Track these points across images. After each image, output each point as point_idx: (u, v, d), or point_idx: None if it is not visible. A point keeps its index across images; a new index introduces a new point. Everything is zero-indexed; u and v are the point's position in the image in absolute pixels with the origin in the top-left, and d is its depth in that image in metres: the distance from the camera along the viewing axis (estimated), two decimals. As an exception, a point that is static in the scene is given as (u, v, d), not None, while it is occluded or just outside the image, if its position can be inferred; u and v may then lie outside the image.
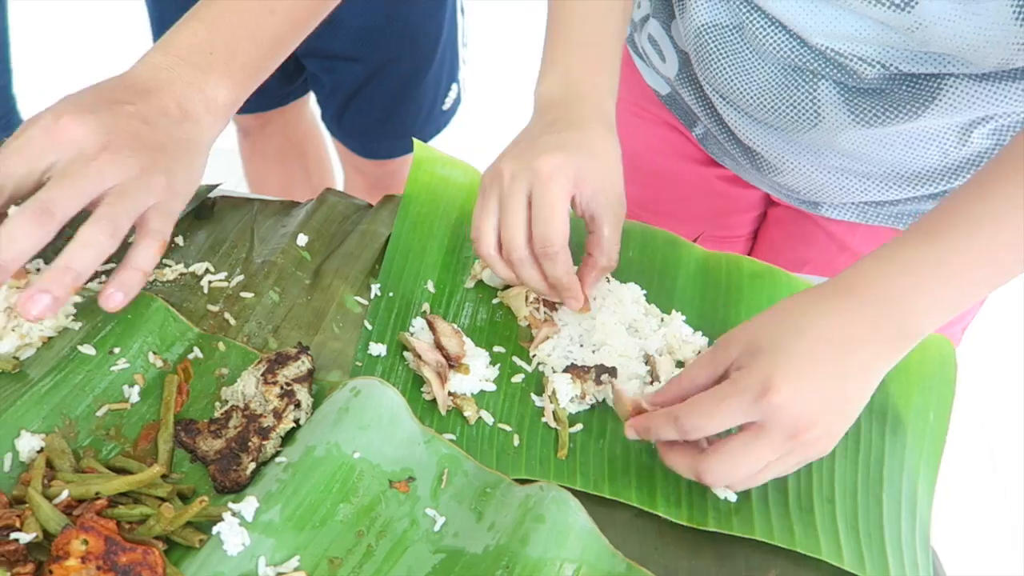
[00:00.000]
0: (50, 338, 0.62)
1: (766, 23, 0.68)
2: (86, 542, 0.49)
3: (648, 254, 0.74)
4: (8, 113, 1.26)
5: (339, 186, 1.58)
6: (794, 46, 0.67)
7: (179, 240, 0.73)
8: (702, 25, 0.72)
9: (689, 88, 0.80)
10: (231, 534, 0.50)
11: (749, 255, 0.96)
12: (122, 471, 0.55)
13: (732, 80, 0.72)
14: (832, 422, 0.53)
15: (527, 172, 0.62)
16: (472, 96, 1.39)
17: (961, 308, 0.54)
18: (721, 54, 0.72)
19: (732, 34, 0.71)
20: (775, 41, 0.68)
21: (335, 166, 1.54)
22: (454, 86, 1.32)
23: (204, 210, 0.76)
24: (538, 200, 0.61)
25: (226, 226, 0.75)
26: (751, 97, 0.72)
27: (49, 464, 0.55)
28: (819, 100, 0.69)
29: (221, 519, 0.51)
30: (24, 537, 0.49)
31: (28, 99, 1.31)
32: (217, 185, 0.78)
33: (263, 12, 0.65)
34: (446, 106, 1.32)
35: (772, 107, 0.71)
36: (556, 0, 0.69)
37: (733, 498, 0.57)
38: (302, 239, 0.73)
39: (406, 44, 1.19)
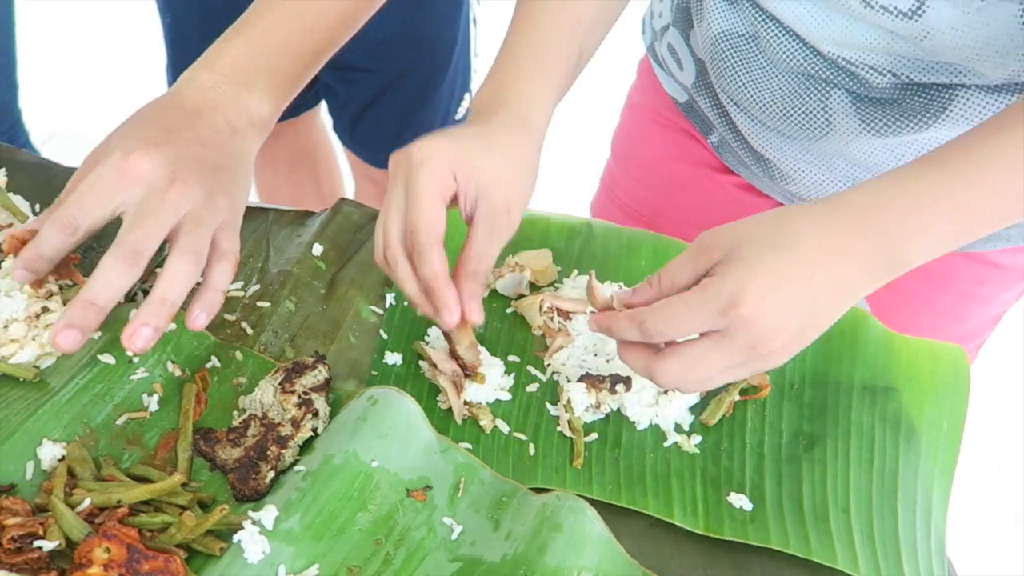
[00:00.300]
0: (70, 347, 0.63)
1: (780, 32, 0.68)
2: (108, 550, 0.49)
3: (660, 264, 0.74)
4: (13, 127, 1.27)
5: (349, 195, 1.59)
6: (807, 55, 0.68)
7: (196, 250, 0.74)
8: (718, 33, 0.72)
9: (705, 96, 0.80)
10: (251, 542, 0.50)
11: None
12: (143, 479, 0.56)
13: (746, 88, 0.73)
14: (793, 338, 0.52)
15: (404, 159, 0.58)
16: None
17: (956, 244, 0.53)
18: (736, 62, 0.72)
19: (747, 42, 0.71)
20: (788, 50, 0.68)
21: (345, 175, 1.55)
22: (467, 96, 1.33)
23: (220, 220, 0.77)
24: (408, 190, 0.57)
25: (242, 236, 0.75)
26: (764, 105, 0.73)
27: (71, 472, 0.55)
28: (831, 109, 0.70)
29: (241, 527, 0.52)
30: (47, 545, 0.50)
31: (32, 112, 1.33)
32: (233, 195, 0.79)
33: (303, 30, 0.67)
34: (459, 115, 1.33)
35: (785, 115, 0.72)
36: (518, 5, 0.67)
37: (748, 506, 0.57)
38: (317, 249, 0.74)
39: (421, 55, 1.20)
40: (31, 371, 0.60)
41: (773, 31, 0.69)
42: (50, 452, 0.56)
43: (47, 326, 0.62)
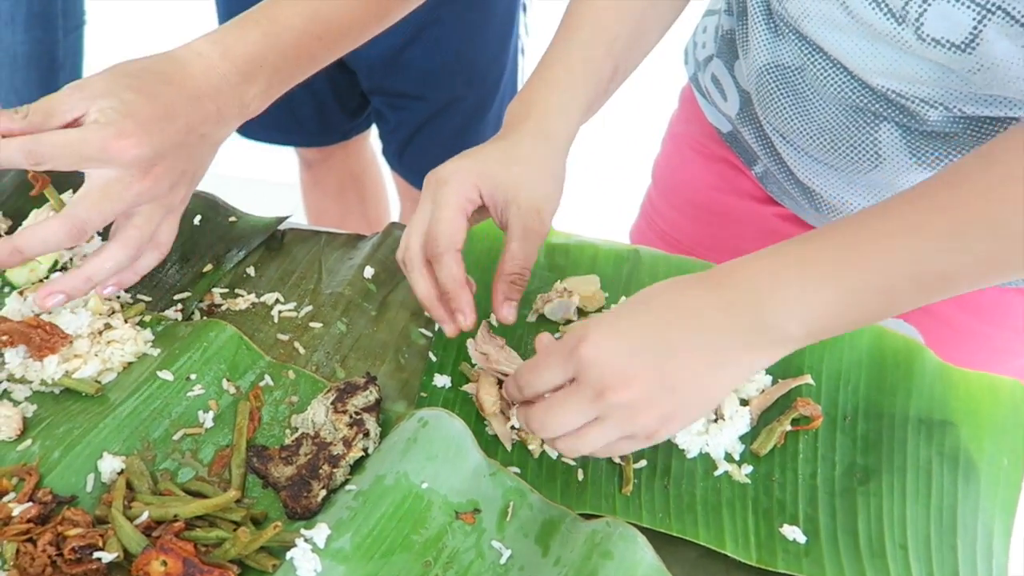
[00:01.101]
0: (130, 363, 0.65)
1: (827, 64, 0.68)
2: (165, 563, 0.50)
3: (710, 291, 0.74)
4: None
5: (395, 218, 1.61)
6: (855, 87, 0.67)
7: (250, 271, 0.75)
8: (764, 65, 0.73)
9: (750, 127, 0.80)
10: (304, 560, 0.51)
11: None
12: (198, 494, 0.57)
13: (792, 120, 0.72)
14: (655, 397, 0.50)
15: (433, 178, 0.62)
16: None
17: (847, 320, 0.50)
18: (782, 94, 0.72)
19: (793, 75, 0.71)
20: (836, 82, 0.68)
21: (391, 199, 1.57)
22: (511, 123, 1.34)
23: (274, 242, 0.79)
24: (433, 203, 0.61)
25: (295, 258, 0.77)
26: (811, 137, 0.72)
27: (129, 485, 0.56)
28: (880, 142, 0.69)
29: (294, 545, 0.52)
30: (106, 556, 0.51)
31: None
32: (287, 217, 0.81)
33: (313, 36, 0.69)
34: (503, 143, 1.35)
35: (832, 147, 0.71)
36: (559, 26, 0.69)
37: (802, 539, 0.56)
38: (368, 271, 0.75)
39: (470, 85, 1.22)
40: (93, 386, 0.62)
41: (820, 63, 0.68)
42: (110, 465, 0.57)
43: (109, 342, 0.64)
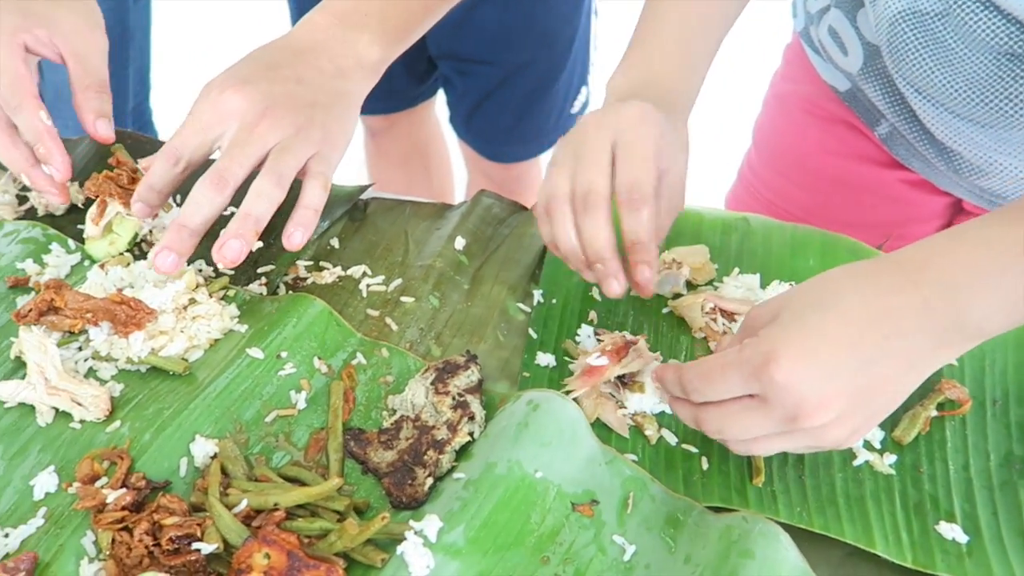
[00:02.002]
0: (216, 340, 0.61)
1: (978, 7, 0.61)
2: (268, 556, 0.47)
3: (830, 263, 0.68)
4: (144, 127, 1.30)
5: (460, 188, 1.56)
6: (1011, 31, 0.60)
7: (334, 242, 0.71)
8: (898, 13, 0.65)
9: (875, 83, 0.73)
10: (415, 555, 0.47)
11: None
12: (294, 480, 0.53)
13: (933, 73, 0.65)
14: (848, 413, 0.46)
15: (613, 117, 0.58)
16: (600, 97, 1.34)
17: None
18: (920, 44, 0.65)
19: (934, 21, 0.64)
20: (989, 27, 0.61)
21: (456, 167, 1.52)
22: (583, 89, 1.28)
23: (357, 212, 0.75)
24: (626, 146, 0.56)
25: (380, 228, 0.73)
26: (956, 91, 0.65)
27: (223, 470, 0.53)
28: None
29: (403, 538, 0.48)
30: (206, 548, 0.48)
31: (163, 112, 1.35)
32: (369, 186, 0.76)
33: None
34: (575, 109, 1.29)
35: (981, 101, 0.64)
36: (650, 1, 0.66)
37: (963, 538, 0.50)
38: (459, 242, 0.70)
39: (541, 48, 1.16)
40: (181, 364, 0.59)
41: (969, 7, 0.61)
42: (203, 449, 0.54)
43: (195, 318, 0.61)
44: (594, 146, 0.57)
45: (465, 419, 0.55)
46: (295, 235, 0.59)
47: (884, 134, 0.77)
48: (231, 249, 0.57)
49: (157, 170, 0.61)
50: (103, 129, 0.68)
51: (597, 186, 0.56)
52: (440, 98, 1.35)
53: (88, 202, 0.71)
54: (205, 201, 0.58)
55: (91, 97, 0.67)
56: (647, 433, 0.57)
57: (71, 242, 0.68)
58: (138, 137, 0.78)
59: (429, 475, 0.52)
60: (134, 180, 0.67)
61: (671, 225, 0.60)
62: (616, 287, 0.57)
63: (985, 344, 0.61)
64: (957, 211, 0.82)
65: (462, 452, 0.54)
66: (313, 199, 0.60)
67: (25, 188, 0.72)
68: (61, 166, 0.65)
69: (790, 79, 0.87)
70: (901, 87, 0.69)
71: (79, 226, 0.70)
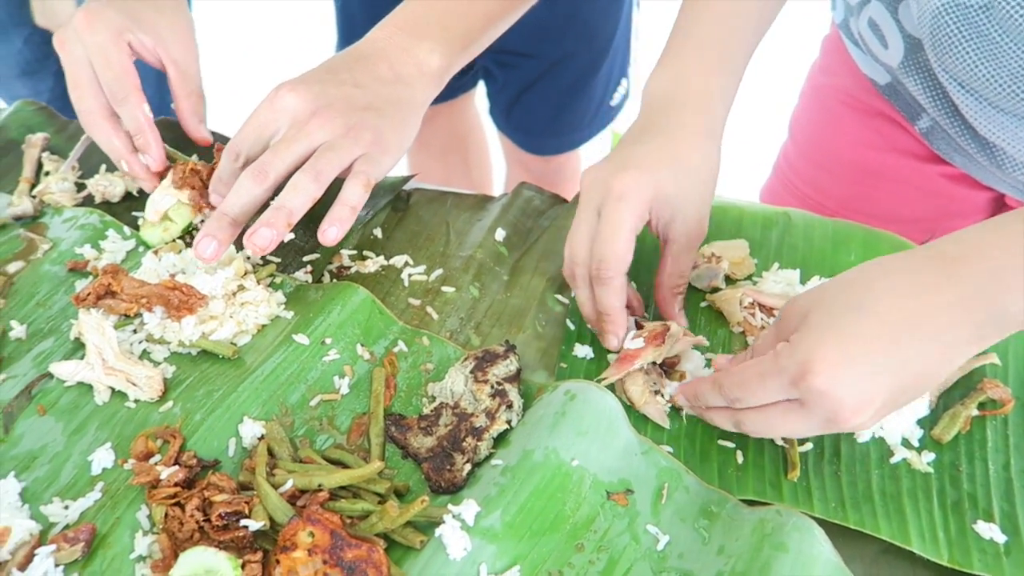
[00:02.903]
0: (263, 326, 0.63)
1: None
2: (312, 534, 0.48)
3: (871, 259, 0.67)
4: None
5: (499, 179, 1.57)
6: None
7: (377, 232, 0.73)
8: (942, 6, 0.64)
9: (916, 76, 0.72)
10: (453, 537, 0.48)
11: None
12: (337, 463, 0.55)
13: (977, 66, 0.64)
14: (884, 407, 0.47)
15: (601, 187, 0.59)
16: (640, 88, 1.34)
17: None
18: (964, 37, 0.64)
19: (978, 14, 0.63)
20: None
21: (494, 160, 1.53)
22: (624, 81, 1.28)
23: (400, 202, 0.76)
24: (603, 219, 0.58)
25: (422, 219, 0.74)
26: (999, 85, 0.64)
27: (269, 451, 0.55)
28: None
29: (441, 521, 0.50)
30: (253, 525, 0.50)
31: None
32: (411, 177, 0.78)
33: None
34: (614, 101, 1.29)
35: None
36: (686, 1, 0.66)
37: (1001, 538, 0.50)
38: (500, 234, 0.71)
39: (582, 41, 1.16)
40: (230, 348, 0.61)
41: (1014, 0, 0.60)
42: (250, 430, 0.56)
43: (243, 304, 0.63)
44: (580, 216, 0.60)
45: (503, 407, 0.56)
46: (329, 231, 0.60)
47: (925, 128, 0.76)
48: (261, 237, 0.58)
49: (222, 164, 0.64)
50: (204, 132, 0.73)
51: (577, 259, 0.60)
52: (480, 90, 1.36)
53: (142, 191, 0.74)
54: (244, 191, 0.60)
55: (193, 102, 0.73)
56: (684, 410, 0.57)
57: (126, 229, 0.70)
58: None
59: (467, 461, 0.54)
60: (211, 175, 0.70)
61: (691, 260, 0.62)
62: (615, 342, 0.60)
63: (1030, 344, 0.61)
64: (999, 206, 0.81)
65: (500, 439, 0.56)
66: (351, 197, 0.61)
67: (83, 176, 0.75)
68: (157, 156, 0.69)
69: (828, 71, 0.86)
70: (943, 80, 0.68)
71: (134, 213, 0.73)
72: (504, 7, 0.71)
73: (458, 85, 1.32)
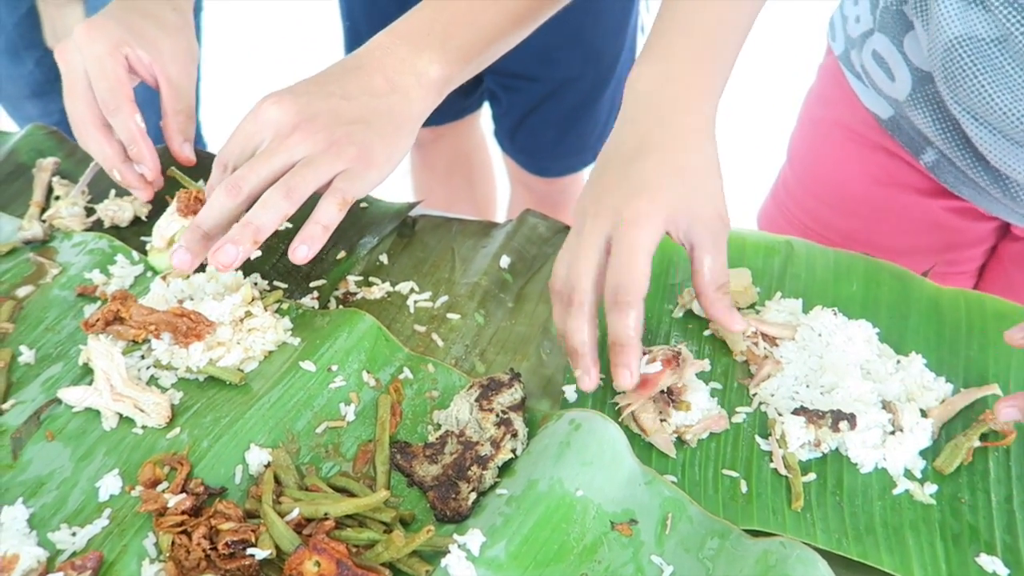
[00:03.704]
0: (270, 352, 0.64)
1: None
2: (319, 564, 0.49)
3: (874, 289, 0.68)
4: (195, 140, 1.34)
5: (503, 200, 1.58)
6: None
7: (383, 258, 0.73)
8: (955, 38, 0.65)
9: (925, 109, 0.73)
10: (459, 568, 0.49)
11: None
12: (343, 490, 0.55)
13: (993, 99, 0.64)
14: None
15: (610, 213, 0.56)
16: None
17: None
18: (979, 70, 0.64)
19: (992, 47, 0.63)
20: None
21: (499, 181, 1.54)
22: (628, 105, 1.29)
23: (405, 229, 0.77)
24: (619, 245, 0.56)
25: (427, 245, 0.75)
26: (1017, 118, 0.64)
27: (276, 479, 0.55)
28: None
29: (447, 550, 0.50)
30: (260, 554, 0.50)
31: (212, 126, 1.39)
32: (417, 203, 0.78)
33: (485, 3, 0.68)
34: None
35: None
36: None
37: (1004, 572, 0.50)
38: (504, 260, 0.72)
39: (587, 64, 1.17)
40: (237, 374, 0.61)
41: None
42: (257, 457, 0.56)
43: (250, 330, 0.63)
44: (587, 242, 0.57)
45: (508, 436, 0.56)
46: (299, 250, 0.59)
47: (931, 162, 0.76)
48: (225, 254, 0.58)
49: (213, 176, 0.64)
50: (188, 151, 0.73)
51: (582, 285, 0.56)
52: (485, 111, 1.37)
53: (151, 215, 0.75)
54: (218, 205, 0.60)
55: (181, 121, 0.72)
56: (687, 439, 0.58)
57: (135, 254, 0.71)
58: (195, 152, 0.81)
59: (472, 490, 0.54)
60: None
61: (723, 255, 0.59)
62: (587, 383, 0.57)
63: (1032, 375, 0.61)
64: (1003, 234, 0.81)
65: (505, 468, 0.56)
66: (323, 215, 0.60)
67: (93, 200, 0.76)
68: (152, 166, 0.69)
69: (827, 103, 0.86)
70: (956, 113, 0.69)
71: (142, 238, 0.73)
72: (511, 23, 0.70)
73: (463, 106, 1.33)
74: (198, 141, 1.37)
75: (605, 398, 0.62)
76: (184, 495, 0.53)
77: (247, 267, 0.71)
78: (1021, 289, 0.80)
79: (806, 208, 0.91)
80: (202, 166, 0.77)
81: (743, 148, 1.62)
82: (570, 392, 0.62)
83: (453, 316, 0.68)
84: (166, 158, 0.73)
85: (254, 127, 0.62)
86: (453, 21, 0.67)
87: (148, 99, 0.72)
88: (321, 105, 0.62)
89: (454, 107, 1.33)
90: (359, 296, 0.70)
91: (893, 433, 0.57)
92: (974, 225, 0.79)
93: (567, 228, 0.77)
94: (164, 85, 0.72)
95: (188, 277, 0.67)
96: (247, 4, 2.57)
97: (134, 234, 0.74)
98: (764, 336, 0.64)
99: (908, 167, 0.79)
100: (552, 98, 1.22)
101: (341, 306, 0.69)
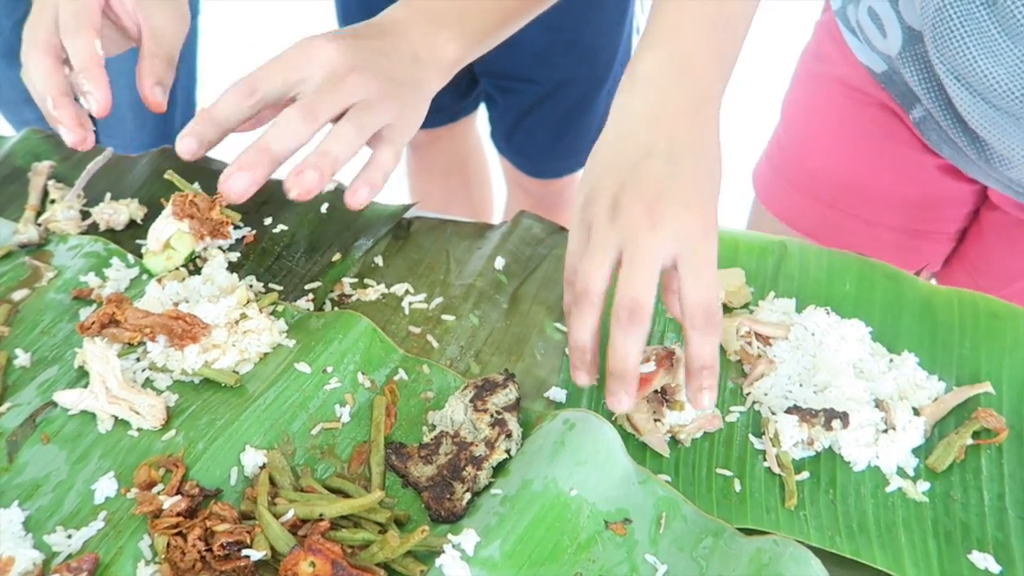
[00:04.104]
0: (266, 354, 0.64)
1: None
2: (314, 564, 0.49)
3: (867, 289, 0.69)
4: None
5: (499, 203, 1.58)
6: None
7: (378, 260, 0.74)
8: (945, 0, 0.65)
9: (913, 67, 0.73)
10: (453, 567, 0.49)
11: (952, 256, 0.88)
12: (338, 492, 0.55)
13: (976, 61, 0.65)
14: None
15: (628, 218, 0.53)
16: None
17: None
18: (966, 32, 0.64)
19: (981, 9, 0.63)
20: None
21: (495, 182, 1.54)
22: (623, 105, 1.29)
23: (400, 230, 0.77)
24: (635, 254, 0.52)
25: (422, 247, 0.75)
26: (996, 81, 0.64)
27: (271, 480, 0.55)
28: None
29: (441, 550, 0.50)
30: (255, 555, 0.50)
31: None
32: (412, 205, 0.79)
33: None
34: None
35: (1021, 96, 0.64)
36: None
37: (996, 568, 0.51)
38: (499, 262, 0.72)
39: (583, 65, 1.18)
40: (232, 376, 0.61)
41: None
42: (252, 459, 0.56)
43: (246, 332, 0.64)
44: (602, 242, 0.53)
45: (503, 436, 0.57)
46: (361, 191, 0.58)
47: (918, 118, 0.78)
48: (308, 179, 0.56)
49: (227, 100, 0.59)
50: (159, 95, 0.66)
51: (595, 287, 0.53)
52: (481, 113, 1.37)
53: (146, 218, 0.75)
54: (292, 129, 0.57)
55: (156, 64, 0.66)
56: (680, 438, 0.58)
57: (130, 256, 0.71)
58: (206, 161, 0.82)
59: (467, 490, 0.54)
60: (211, 208, 0.70)
61: (704, 279, 0.54)
62: (584, 380, 0.56)
63: (1024, 374, 0.62)
64: (982, 200, 0.83)
65: (499, 469, 0.56)
66: (385, 162, 0.60)
67: (88, 204, 0.76)
68: (102, 98, 0.63)
69: (823, 59, 0.87)
70: (940, 73, 0.69)
71: (137, 241, 0.73)
72: (521, 6, 0.71)
73: (459, 109, 1.34)
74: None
75: (600, 398, 0.62)
76: (179, 497, 0.53)
77: (242, 269, 0.71)
78: (997, 256, 0.82)
79: (802, 166, 0.91)
80: (196, 171, 0.77)
81: (735, 112, 1.61)
82: (557, 394, 0.62)
83: (448, 317, 0.68)
84: (162, 160, 0.73)
85: (302, 60, 0.59)
86: (468, 2, 0.67)
87: (124, 70, 0.68)
88: (367, 55, 0.61)
89: (450, 109, 1.33)
90: (354, 298, 0.70)
91: (886, 431, 0.57)
92: (956, 184, 0.81)
93: (562, 229, 0.77)
94: (146, 32, 0.67)
95: (183, 280, 0.67)
96: (246, 4, 2.57)
97: (129, 237, 0.74)
98: (758, 336, 0.64)
99: (900, 123, 0.81)
100: (548, 100, 1.22)
101: (336, 308, 0.69)
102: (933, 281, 0.92)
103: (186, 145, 0.59)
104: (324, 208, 0.77)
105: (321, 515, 0.52)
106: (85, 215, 0.75)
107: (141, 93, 0.67)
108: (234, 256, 0.72)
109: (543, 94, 1.21)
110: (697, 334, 0.53)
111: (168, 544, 0.51)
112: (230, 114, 0.59)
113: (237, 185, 0.56)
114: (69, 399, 0.59)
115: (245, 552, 0.50)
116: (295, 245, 0.74)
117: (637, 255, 0.52)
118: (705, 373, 0.53)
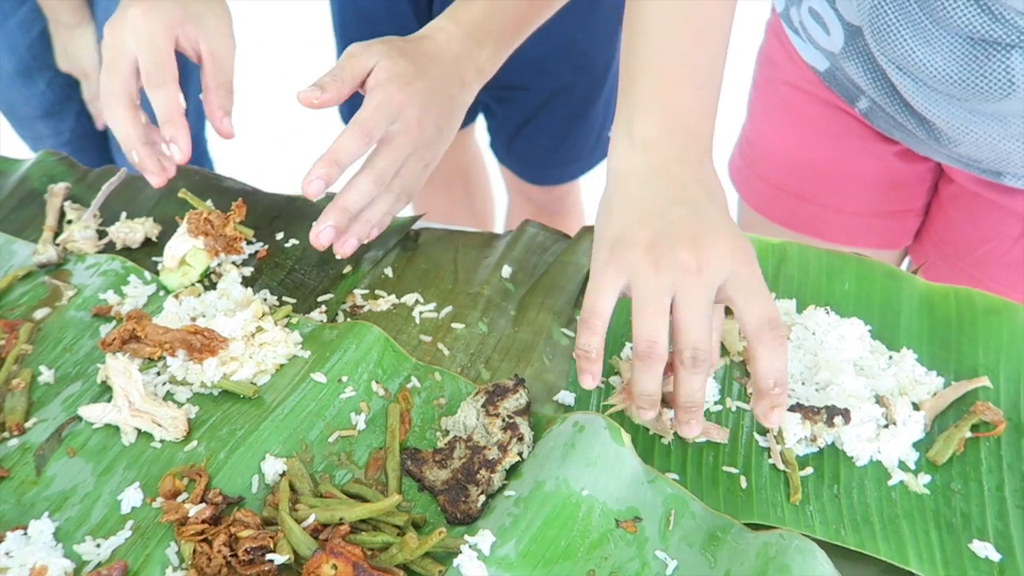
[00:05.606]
0: (282, 365, 0.66)
1: None
2: (335, 567, 0.51)
3: (866, 287, 0.70)
4: (200, 156, 1.36)
5: (501, 211, 1.60)
6: (984, 20, 0.62)
7: (388, 271, 0.75)
8: None
9: (857, 61, 0.76)
10: (471, 567, 0.51)
11: (921, 230, 0.91)
12: (356, 497, 0.57)
13: (914, 52, 0.68)
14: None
15: (674, 265, 0.53)
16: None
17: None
18: (901, 25, 0.68)
19: (913, 4, 0.66)
20: (962, 13, 0.63)
21: (496, 190, 1.56)
22: (622, 111, 1.31)
23: (409, 242, 0.79)
24: (687, 300, 0.53)
25: (431, 257, 0.77)
26: (934, 69, 0.68)
27: (291, 487, 0.57)
28: (1013, 70, 0.64)
29: (458, 551, 0.52)
30: (278, 559, 0.52)
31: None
32: (419, 217, 0.81)
33: (524, 1, 0.74)
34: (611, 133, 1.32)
35: (958, 80, 0.67)
36: (637, 4, 0.62)
37: (996, 556, 0.52)
38: (506, 270, 0.74)
39: (580, 72, 1.20)
40: (251, 388, 0.63)
41: None
42: (272, 467, 0.58)
43: (262, 345, 0.65)
44: (655, 295, 0.53)
45: (514, 440, 0.58)
46: (349, 242, 0.70)
47: (864, 109, 0.81)
48: (349, 247, 0.69)
49: (348, 145, 0.66)
50: (227, 125, 0.73)
51: (661, 343, 0.54)
52: (480, 123, 1.39)
53: (161, 236, 0.77)
54: (366, 192, 0.67)
55: (222, 95, 0.73)
56: (664, 441, 0.60)
57: (147, 274, 0.73)
58: (204, 173, 0.84)
59: (481, 492, 0.56)
60: (225, 224, 0.72)
61: (760, 302, 0.55)
62: (590, 383, 0.56)
63: (1022, 364, 0.63)
64: (938, 174, 0.87)
65: (512, 471, 0.58)
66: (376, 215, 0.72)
67: (104, 223, 0.78)
68: (185, 147, 0.69)
69: (773, 64, 0.91)
70: (883, 64, 0.73)
71: (153, 258, 0.75)
72: (539, 15, 0.75)
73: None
74: (203, 159, 1.40)
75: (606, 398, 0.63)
76: (204, 505, 0.55)
77: (256, 283, 0.73)
78: (959, 226, 0.86)
79: (768, 162, 0.95)
80: (208, 189, 0.79)
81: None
82: (566, 397, 0.64)
83: (458, 326, 0.70)
84: (175, 179, 0.75)
85: (392, 109, 0.67)
86: (505, 19, 0.72)
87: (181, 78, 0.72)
88: (427, 101, 0.69)
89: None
90: (366, 309, 0.72)
91: (887, 426, 0.59)
92: (912, 165, 0.85)
93: (566, 237, 0.79)
94: (207, 59, 0.72)
95: (200, 295, 0.69)
96: (246, 5, 2.59)
97: (145, 255, 0.76)
98: (760, 336, 0.65)
99: (848, 116, 0.84)
100: (546, 108, 1.24)
101: (349, 319, 0.71)
102: (907, 259, 0.96)
103: (315, 188, 0.66)
104: (334, 222, 0.78)
105: (341, 519, 0.54)
106: (102, 234, 0.77)
107: (213, 124, 0.73)
108: (248, 271, 0.74)
109: (541, 102, 1.23)
110: (766, 348, 0.53)
111: (194, 550, 0.53)
112: (351, 158, 0.67)
113: (326, 237, 0.67)
114: (93, 413, 0.61)
115: (269, 556, 0.52)
116: (307, 258, 0.76)
117: (691, 303, 0.53)
118: (776, 391, 0.53)
